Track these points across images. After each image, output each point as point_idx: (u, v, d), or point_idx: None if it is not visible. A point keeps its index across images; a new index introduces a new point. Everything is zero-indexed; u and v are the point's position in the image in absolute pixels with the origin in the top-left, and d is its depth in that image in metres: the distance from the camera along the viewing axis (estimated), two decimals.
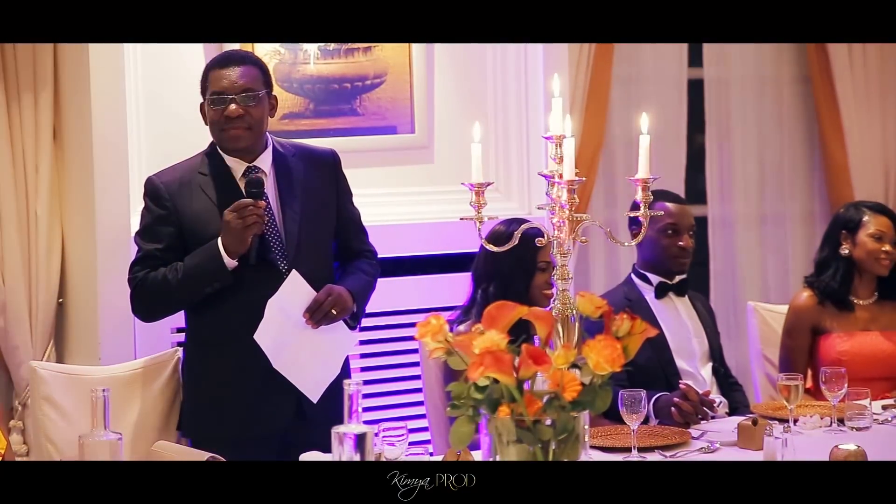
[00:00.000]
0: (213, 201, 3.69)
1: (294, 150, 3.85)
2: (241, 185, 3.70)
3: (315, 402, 3.68)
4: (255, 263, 3.65)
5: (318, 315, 3.64)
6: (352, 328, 3.81)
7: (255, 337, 3.60)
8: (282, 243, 3.71)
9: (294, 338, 3.65)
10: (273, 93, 3.79)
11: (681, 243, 4.30)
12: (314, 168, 3.83)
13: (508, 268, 4.00)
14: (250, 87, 3.68)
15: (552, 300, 3.94)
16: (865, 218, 4.49)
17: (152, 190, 3.74)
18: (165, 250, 3.69)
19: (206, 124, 3.75)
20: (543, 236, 3.29)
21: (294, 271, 3.64)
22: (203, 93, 3.74)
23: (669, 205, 4.30)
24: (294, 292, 3.64)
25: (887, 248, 4.46)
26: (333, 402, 3.57)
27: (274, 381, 3.65)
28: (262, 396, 3.69)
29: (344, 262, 3.90)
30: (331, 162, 3.89)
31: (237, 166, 3.73)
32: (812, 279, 4.56)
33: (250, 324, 3.61)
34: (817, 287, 4.51)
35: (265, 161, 3.75)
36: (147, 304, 3.73)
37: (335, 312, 3.66)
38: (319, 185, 3.82)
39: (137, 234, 3.76)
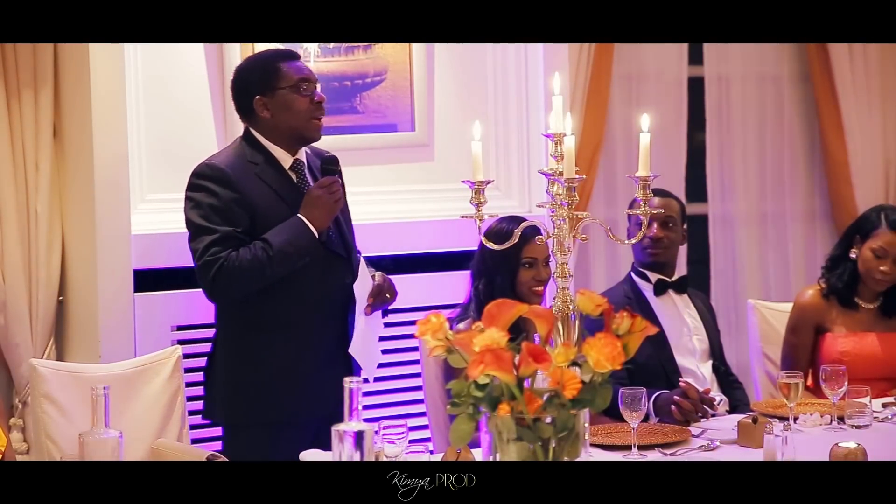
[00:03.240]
0: (273, 188, 3.76)
1: (308, 149, 3.92)
2: (292, 176, 3.80)
3: (371, 381, 3.83)
4: (324, 241, 3.75)
5: (380, 299, 3.81)
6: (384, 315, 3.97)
7: (354, 320, 3.77)
8: (332, 231, 3.81)
9: (359, 321, 3.80)
10: None
11: (649, 235, 4.29)
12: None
13: (494, 265, 4.03)
14: (318, 80, 3.85)
15: (543, 297, 3.99)
16: (878, 230, 4.42)
17: (218, 174, 3.73)
18: (244, 233, 3.70)
19: (265, 116, 3.77)
20: (542, 234, 3.29)
21: (362, 258, 3.81)
22: (267, 86, 3.77)
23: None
24: (363, 277, 3.78)
25: (885, 267, 4.39)
26: None
27: (332, 362, 3.75)
28: (324, 377, 3.71)
29: None
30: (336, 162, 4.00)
31: (285, 157, 3.82)
32: (823, 272, 4.55)
33: (315, 307, 3.75)
34: (826, 281, 4.50)
35: (303, 155, 3.87)
36: (236, 281, 3.68)
37: (389, 297, 3.84)
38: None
39: (202, 216, 3.70)
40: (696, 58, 5.59)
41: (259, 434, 3.66)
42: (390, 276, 3.94)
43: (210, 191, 3.72)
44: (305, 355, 3.76)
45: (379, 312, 3.88)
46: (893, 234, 4.41)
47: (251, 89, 3.81)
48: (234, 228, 3.69)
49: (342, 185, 3.81)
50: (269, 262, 3.66)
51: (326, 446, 3.35)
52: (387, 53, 4.69)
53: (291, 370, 3.75)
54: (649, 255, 4.32)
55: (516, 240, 3.38)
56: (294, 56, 3.85)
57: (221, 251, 3.67)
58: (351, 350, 3.79)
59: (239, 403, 3.80)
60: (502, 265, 4.01)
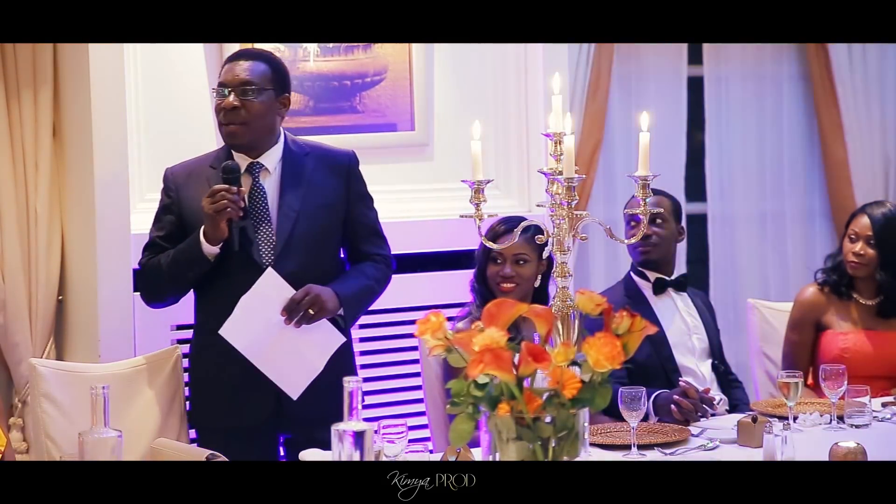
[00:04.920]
0: None
1: (309, 149, 3.86)
2: (244, 181, 3.71)
3: (294, 399, 3.70)
4: (238, 251, 3.68)
5: (294, 314, 3.64)
6: (341, 329, 3.78)
7: (221, 332, 3.64)
8: (271, 239, 3.73)
9: (272, 335, 3.65)
10: (287, 94, 3.81)
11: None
12: (326, 168, 3.83)
13: (474, 260, 4.10)
14: (250, 81, 3.70)
15: (510, 293, 3.99)
16: (855, 217, 4.46)
17: (164, 179, 3.87)
18: (166, 238, 3.79)
19: None
20: (543, 233, 3.30)
21: (270, 269, 3.65)
22: None
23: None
24: (271, 290, 3.64)
25: (856, 249, 4.41)
26: (314, 401, 3.61)
27: (254, 375, 3.67)
28: (242, 389, 3.72)
29: (353, 264, 3.91)
30: (345, 164, 3.88)
31: (242, 162, 3.75)
32: (824, 267, 4.56)
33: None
34: (823, 272, 4.51)
35: (272, 157, 3.77)
36: (145, 287, 3.87)
37: (312, 312, 3.65)
38: (328, 185, 3.82)
39: (152, 221, 3.88)
40: (695, 58, 5.59)
41: (216, 439, 3.63)
42: (393, 276, 3.93)
43: (161, 196, 3.87)
44: (227, 362, 3.69)
45: (326, 325, 3.70)
46: (863, 215, 4.43)
47: None
48: (158, 234, 3.81)
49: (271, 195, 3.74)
50: (164, 270, 3.73)
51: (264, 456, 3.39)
52: (387, 53, 4.69)
53: (215, 376, 3.76)
54: (640, 253, 4.33)
55: (516, 238, 3.39)
56: (235, 58, 3.76)
57: (146, 256, 3.82)
58: (255, 363, 3.65)
59: (195, 408, 3.90)
60: (475, 261, 4.09)
